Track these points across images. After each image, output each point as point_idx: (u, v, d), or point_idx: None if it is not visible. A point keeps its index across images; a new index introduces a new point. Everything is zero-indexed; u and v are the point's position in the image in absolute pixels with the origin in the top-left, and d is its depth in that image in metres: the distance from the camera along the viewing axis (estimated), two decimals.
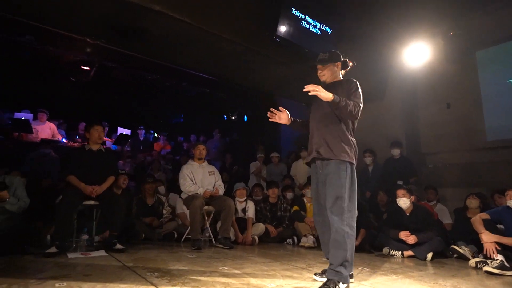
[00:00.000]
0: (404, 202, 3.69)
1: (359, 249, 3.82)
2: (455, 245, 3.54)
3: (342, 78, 2.41)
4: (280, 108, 2.40)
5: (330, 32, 4.81)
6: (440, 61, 5.11)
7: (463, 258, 3.38)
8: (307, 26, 4.59)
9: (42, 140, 5.96)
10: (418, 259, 3.40)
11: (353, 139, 2.27)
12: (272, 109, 2.39)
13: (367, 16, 4.91)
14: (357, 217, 4.02)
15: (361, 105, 2.20)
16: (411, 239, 3.53)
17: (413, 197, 3.76)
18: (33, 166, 5.21)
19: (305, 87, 2.07)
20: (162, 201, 4.51)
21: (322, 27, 4.73)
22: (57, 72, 6.95)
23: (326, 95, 2.06)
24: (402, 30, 5.06)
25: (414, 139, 5.84)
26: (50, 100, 7.47)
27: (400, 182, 4.77)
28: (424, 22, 4.90)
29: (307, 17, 4.58)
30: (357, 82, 2.30)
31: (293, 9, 4.43)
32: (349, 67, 2.42)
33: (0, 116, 6.32)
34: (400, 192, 3.73)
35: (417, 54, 5.05)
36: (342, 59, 2.38)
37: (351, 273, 2.22)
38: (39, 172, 4.87)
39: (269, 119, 2.41)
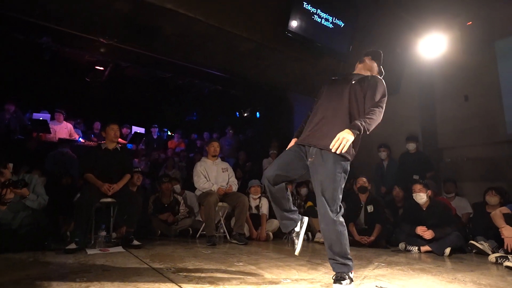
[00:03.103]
0: (420, 197, 3.63)
1: (374, 244, 3.78)
2: (474, 240, 3.46)
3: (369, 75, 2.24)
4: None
5: (342, 25, 4.74)
6: (457, 52, 4.95)
7: (483, 254, 3.29)
8: (319, 20, 4.53)
9: (60, 139, 6.13)
10: (436, 254, 3.34)
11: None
12: None
13: (381, 7, 4.81)
14: (372, 212, 4.00)
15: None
16: (428, 234, 3.46)
17: (429, 192, 3.68)
18: (53, 164, 5.37)
19: (331, 148, 1.87)
20: (179, 201, 4.56)
21: (335, 20, 4.66)
22: (73, 73, 7.12)
23: (351, 137, 1.86)
24: (417, 21, 4.93)
25: (430, 133, 5.70)
26: (66, 100, 7.65)
27: (416, 177, 4.68)
28: (440, 13, 4.75)
29: (319, 11, 4.52)
30: (384, 83, 2.14)
31: (305, 3, 4.38)
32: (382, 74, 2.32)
33: (21, 117, 6.52)
34: (417, 187, 3.66)
35: (433, 45, 4.91)
36: (380, 63, 2.33)
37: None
38: (58, 170, 5.01)
39: None
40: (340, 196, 2.01)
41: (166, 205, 4.42)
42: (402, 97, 5.86)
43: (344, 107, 2.07)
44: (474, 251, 3.41)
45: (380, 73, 2.34)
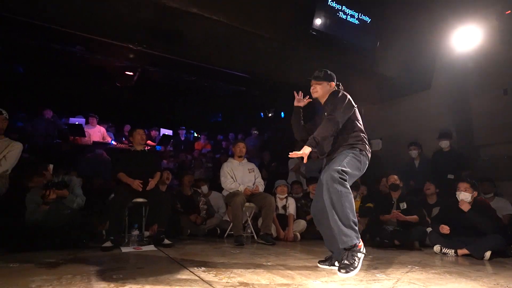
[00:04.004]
0: (465, 197, 3.40)
1: (407, 246, 3.64)
2: None
3: None
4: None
5: (369, 21, 4.62)
6: (494, 43, 4.67)
7: None
8: (344, 16, 4.45)
9: (94, 142, 6.44)
10: (474, 258, 3.16)
11: (362, 135, 2.37)
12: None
13: (409, 0, 4.64)
14: (406, 209, 3.85)
15: (339, 118, 2.28)
16: (465, 206, 3.33)
17: (475, 193, 3.42)
18: (88, 166, 5.65)
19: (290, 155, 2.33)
20: (198, 192, 4.77)
21: (361, 16, 4.56)
22: (104, 79, 7.45)
23: (307, 149, 2.26)
24: (449, 12, 4.71)
25: (465, 130, 5.41)
26: (98, 105, 8.03)
27: (451, 176, 4.47)
28: (474, 3, 4.51)
29: (344, 8, 4.44)
30: (343, 93, 2.37)
31: (329, 0, 4.32)
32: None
33: (57, 122, 6.91)
34: (463, 185, 3.41)
35: (467, 37, 4.66)
36: (335, 81, 2.53)
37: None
38: (93, 172, 5.26)
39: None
40: (349, 170, 2.17)
41: (187, 195, 4.59)
42: (434, 92, 5.62)
43: None
44: None
45: (336, 86, 2.54)
